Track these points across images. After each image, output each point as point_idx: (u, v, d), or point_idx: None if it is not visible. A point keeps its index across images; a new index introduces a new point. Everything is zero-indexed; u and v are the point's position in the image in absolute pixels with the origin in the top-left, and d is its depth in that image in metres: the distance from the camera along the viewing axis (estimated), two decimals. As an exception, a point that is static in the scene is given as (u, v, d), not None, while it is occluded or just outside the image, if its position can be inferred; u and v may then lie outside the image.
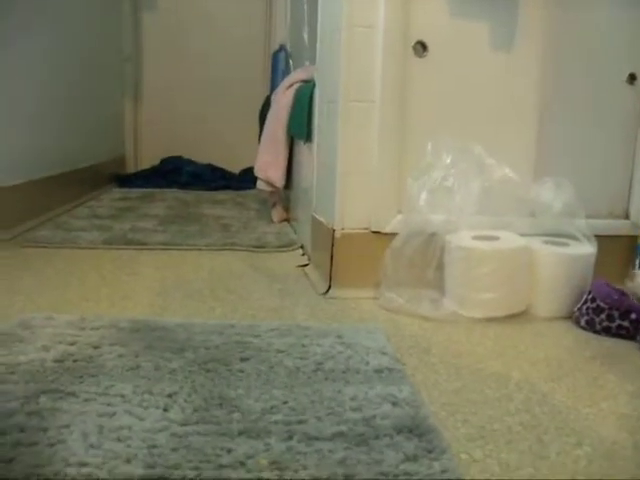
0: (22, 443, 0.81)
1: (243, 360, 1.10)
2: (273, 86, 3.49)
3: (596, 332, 1.41)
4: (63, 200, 2.56)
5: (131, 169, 3.66)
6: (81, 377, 1.01)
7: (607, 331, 1.41)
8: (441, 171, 1.42)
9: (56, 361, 1.07)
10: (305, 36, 3.28)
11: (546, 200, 1.55)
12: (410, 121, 1.55)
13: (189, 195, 3.07)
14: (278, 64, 3.49)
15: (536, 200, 1.55)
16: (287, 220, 2.39)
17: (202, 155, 3.61)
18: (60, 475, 0.75)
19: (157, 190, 3.18)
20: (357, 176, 1.54)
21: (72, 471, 0.76)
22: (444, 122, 1.57)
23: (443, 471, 0.79)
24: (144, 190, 3.17)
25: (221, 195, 3.10)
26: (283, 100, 2.22)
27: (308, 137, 1.90)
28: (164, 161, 3.58)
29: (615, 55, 1.72)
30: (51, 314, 1.29)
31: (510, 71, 1.60)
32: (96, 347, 1.13)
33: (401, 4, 1.51)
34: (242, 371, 1.06)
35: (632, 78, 1.75)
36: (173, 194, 3.08)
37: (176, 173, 3.42)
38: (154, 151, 3.64)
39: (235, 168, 3.61)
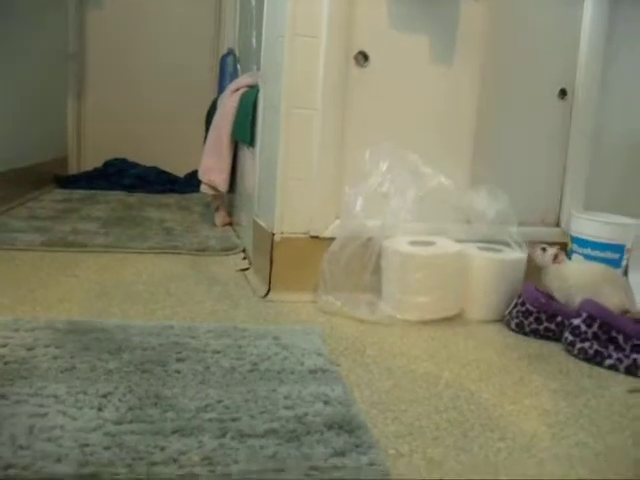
0: (-50, 443, 0.81)
1: (180, 361, 1.12)
2: (221, 90, 3.49)
3: (525, 334, 1.48)
4: (1, 201, 2.50)
5: (73, 170, 3.59)
6: (12, 379, 1.00)
7: (535, 333, 1.47)
8: (377, 178, 1.46)
9: (-13, 363, 1.06)
10: (253, 40, 3.30)
11: (480, 208, 1.61)
12: (350, 129, 1.59)
13: (133, 198, 3.04)
14: (226, 68, 3.49)
15: (470, 208, 1.61)
16: (230, 224, 2.40)
17: (147, 158, 3.57)
18: (-12, 475, 0.75)
19: (100, 192, 3.14)
20: (297, 182, 1.57)
21: None
22: (384, 131, 1.61)
23: (370, 464, 0.82)
24: (87, 192, 3.12)
25: (166, 198, 3.09)
26: (228, 104, 2.23)
27: (251, 142, 1.92)
28: (108, 163, 3.53)
29: (548, 71, 1.81)
30: (-16, 316, 1.28)
31: (448, 83, 1.66)
32: (30, 349, 1.12)
33: (344, 15, 1.55)
34: (178, 371, 1.07)
35: (563, 93, 1.84)
36: (117, 196, 3.05)
37: (120, 175, 3.38)
38: (98, 152, 3.58)
39: (181, 171, 3.59)
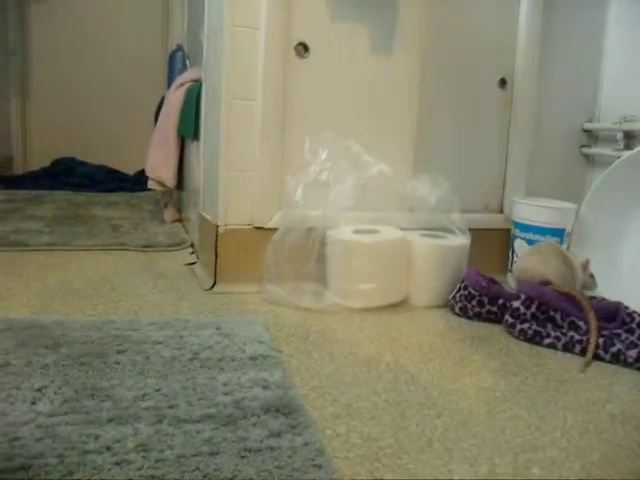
0: None
1: (119, 353, 1.11)
2: (170, 86, 3.46)
3: (469, 318, 1.51)
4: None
5: (19, 171, 3.51)
6: (-55, 376, 0.99)
7: (478, 316, 1.50)
8: (317, 166, 1.47)
9: None
10: (202, 35, 3.29)
11: (422, 195, 1.63)
12: (291, 120, 1.59)
13: (81, 197, 2.99)
14: (175, 64, 3.46)
15: (412, 195, 1.63)
16: (179, 220, 2.38)
17: (95, 156, 3.52)
18: None
19: (46, 192, 3.07)
20: (240, 173, 1.57)
21: None
22: (325, 121, 1.62)
23: (305, 444, 0.83)
24: (32, 192, 3.05)
25: (114, 197, 3.05)
26: (173, 99, 2.22)
27: (196, 135, 1.91)
28: (55, 162, 3.47)
29: (488, 61, 1.84)
30: None
31: (389, 73, 1.68)
32: (-37, 346, 1.10)
33: (283, 6, 1.55)
34: (118, 363, 1.07)
35: (503, 83, 1.88)
36: (64, 196, 2.99)
37: (68, 174, 3.32)
38: (45, 152, 3.50)
39: (130, 169, 3.54)
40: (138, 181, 3.36)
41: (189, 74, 2.33)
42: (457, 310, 1.53)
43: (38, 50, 3.57)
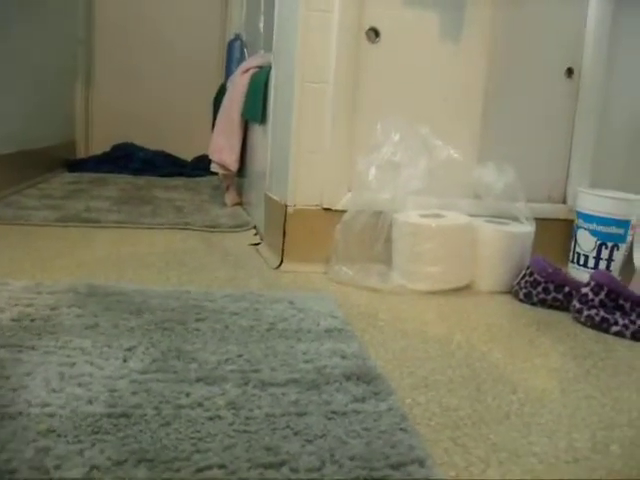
0: (-16, 387, 0.84)
1: (199, 320, 1.15)
2: (228, 74, 3.51)
3: (533, 304, 1.51)
4: (12, 181, 2.53)
5: (82, 154, 3.62)
6: (39, 334, 1.04)
7: (543, 303, 1.50)
8: (390, 147, 1.49)
9: (13, 320, 1.09)
10: (260, 25, 3.33)
11: (488, 182, 1.64)
12: (362, 103, 1.61)
13: (141, 180, 3.07)
14: (233, 53, 3.52)
15: (479, 182, 1.64)
16: (240, 204, 2.43)
17: (154, 142, 3.61)
18: (24, 414, 0.78)
19: (108, 175, 3.17)
20: (310, 155, 1.60)
21: (35, 410, 0.79)
22: (394, 105, 1.64)
23: (389, 409, 0.86)
24: (95, 175, 3.15)
25: (174, 181, 3.12)
26: (239, 85, 2.26)
27: (263, 119, 1.94)
28: (115, 147, 3.57)
29: (555, 49, 1.82)
30: (6, 279, 1.31)
31: (457, 60, 1.69)
32: (53, 309, 1.16)
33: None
34: (198, 329, 1.11)
35: (570, 72, 1.86)
36: (125, 179, 3.08)
37: (128, 159, 3.41)
38: (106, 137, 3.61)
39: (188, 155, 3.62)
40: (196, 167, 3.44)
41: (253, 60, 2.37)
42: (521, 296, 1.53)
43: (103, 39, 3.67)
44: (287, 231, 1.61)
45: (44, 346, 0.98)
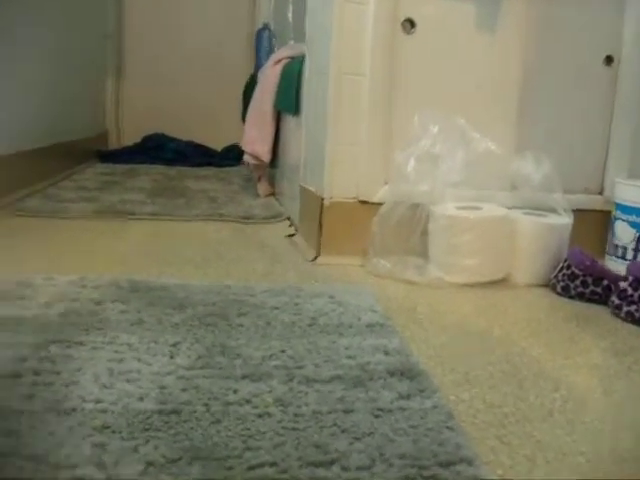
0: (38, 383, 0.86)
1: (241, 315, 1.16)
2: (258, 64, 3.52)
3: (571, 297, 1.49)
4: (48, 173, 2.57)
5: (113, 145, 3.66)
6: (87, 330, 1.06)
7: (581, 296, 1.49)
8: (428, 140, 1.48)
9: (60, 315, 1.11)
10: (289, 15, 3.32)
11: (526, 173, 1.62)
12: (398, 94, 1.61)
13: (172, 171, 3.10)
14: (262, 43, 3.52)
15: (516, 173, 1.62)
16: (272, 194, 2.44)
17: (184, 132, 3.63)
18: (78, 409, 0.80)
19: (140, 166, 3.20)
20: (346, 147, 1.60)
21: (89, 406, 0.81)
22: (430, 96, 1.63)
23: (434, 407, 0.86)
24: (127, 166, 3.18)
25: (204, 171, 3.14)
26: (270, 76, 2.26)
27: (296, 110, 1.94)
28: (146, 138, 3.60)
29: (594, 37, 1.79)
30: (51, 274, 1.33)
31: (494, 50, 1.67)
32: (98, 303, 1.18)
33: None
34: (241, 325, 1.12)
35: (609, 60, 1.83)
36: (156, 169, 3.11)
37: (159, 150, 3.44)
38: (136, 128, 3.65)
39: (217, 145, 3.64)
40: (225, 157, 3.46)
41: (284, 51, 2.37)
42: (559, 289, 1.52)
43: (132, 32, 3.70)
44: (323, 223, 1.61)
45: (92, 342, 1.01)
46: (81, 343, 1.00)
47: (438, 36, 1.64)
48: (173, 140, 3.58)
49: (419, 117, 1.54)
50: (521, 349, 1.15)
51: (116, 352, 0.97)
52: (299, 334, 1.10)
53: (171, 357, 0.97)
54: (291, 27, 3.27)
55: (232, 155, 3.41)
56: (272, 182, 2.48)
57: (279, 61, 2.29)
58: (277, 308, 1.21)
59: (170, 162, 3.33)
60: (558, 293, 1.52)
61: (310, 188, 1.72)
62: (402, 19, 1.60)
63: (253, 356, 0.99)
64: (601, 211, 1.84)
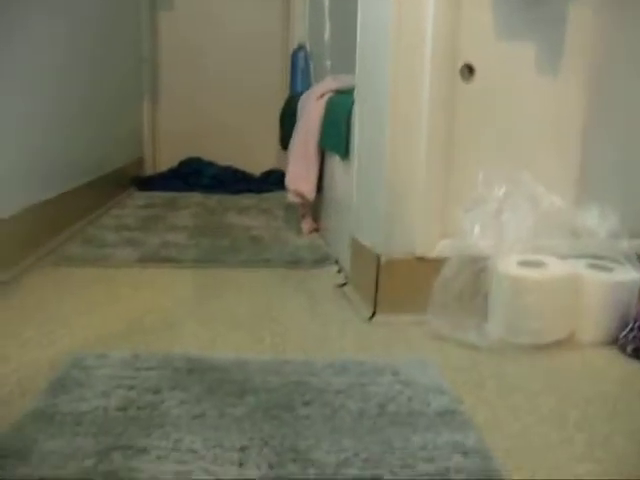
0: (106, 508, 0.82)
1: (306, 404, 1.11)
2: (293, 86, 3.47)
3: (643, 359, 1.42)
4: (89, 208, 2.55)
5: (150, 171, 3.63)
6: (148, 429, 1.01)
7: (654, 359, 1.41)
8: (494, 203, 1.41)
9: (119, 409, 1.07)
10: (326, 35, 3.26)
11: (591, 227, 1.55)
12: (456, 145, 1.54)
13: (212, 200, 3.05)
14: (297, 64, 3.47)
15: (581, 226, 1.55)
16: (316, 230, 2.38)
17: (220, 157, 3.59)
18: None
19: (178, 194, 3.16)
20: (403, 200, 1.53)
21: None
22: (489, 147, 1.56)
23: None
24: (167, 194, 3.15)
25: (245, 200, 3.08)
26: (315, 111, 2.20)
27: (346, 153, 1.88)
28: (183, 163, 3.56)
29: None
30: (104, 352, 1.29)
31: (555, 95, 1.59)
32: (156, 392, 1.13)
33: (449, 26, 1.49)
34: (307, 417, 1.06)
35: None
36: (195, 199, 3.07)
37: (197, 175, 3.40)
38: (172, 153, 3.61)
39: (255, 170, 3.59)
40: (264, 181, 3.41)
41: (328, 84, 2.31)
42: (630, 351, 1.44)
43: (167, 55, 3.67)
44: (379, 281, 1.55)
45: (155, 447, 0.96)
46: (144, 450, 0.95)
47: (498, 82, 1.56)
48: (211, 165, 3.54)
49: (483, 175, 1.47)
50: (604, 437, 1.08)
51: (182, 462, 0.92)
52: (369, 428, 1.04)
53: (240, 465, 0.92)
54: (328, 47, 3.21)
55: (271, 180, 3.37)
56: (315, 217, 2.42)
57: (322, 95, 2.23)
58: (342, 392, 1.15)
59: (208, 188, 3.29)
60: (629, 355, 1.44)
61: (365, 243, 1.66)
62: (460, 64, 1.53)
63: (326, 462, 0.94)
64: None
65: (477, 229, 1.38)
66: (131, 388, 1.14)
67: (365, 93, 1.73)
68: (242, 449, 0.97)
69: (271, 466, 0.93)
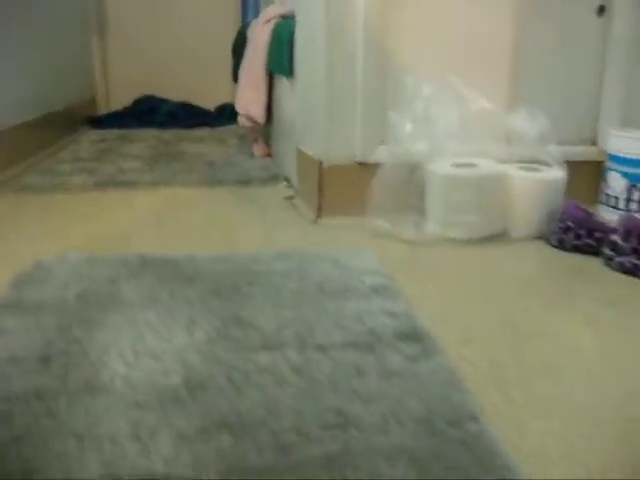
0: (69, 364, 0.92)
1: (250, 284, 1.21)
2: (244, 18, 3.49)
3: (566, 250, 1.54)
4: (42, 145, 2.57)
5: (103, 110, 3.62)
6: (106, 309, 1.10)
7: (576, 249, 1.53)
8: (423, 102, 1.51)
9: (78, 297, 1.16)
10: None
11: (521, 129, 1.65)
12: (390, 54, 1.62)
13: (166, 134, 3.09)
14: (248, -5, 3.48)
15: (511, 129, 1.65)
16: (268, 155, 2.46)
17: (174, 93, 3.59)
18: (110, 386, 0.86)
19: (133, 131, 3.19)
20: (342, 110, 1.62)
21: (119, 384, 0.87)
22: (422, 57, 1.65)
23: (440, 368, 0.92)
24: (120, 131, 3.17)
25: (199, 132, 3.14)
26: (261, 37, 2.25)
27: (290, 73, 1.95)
28: (138, 101, 3.57)
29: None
30: (63, 255, 1.37)
31: (484, 5, 1.67)
32: (111, 282, 1.22)
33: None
34: (251, 295, 1.17)
35: (601, 10, 1.82)
36: (150, 133, 3.10)
37: (151, 113, 3.42)
38: (125, 91, 3.60)
39: (210, 105, 3.62)
40: (219, 116, 3.44)
41: (273, 9, 2.36)
42: (554, 242, 1.56)
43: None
44: (323, 186, 1.65)
45: (112, 322, 1.05)
46: (102, 323, 1.05)
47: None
48: (165, 102, 3.55)
49: (413, 78, 1.56)
50: (519, 305, 1.20)
51: (137, 331, 1.02)
52: (308, 301, 1.15)
53: (189, 332, 1.02)
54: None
55: (226, 114, 3.40)
56: (267, 142, 2.49)
57: (269, 20, 2.27)
58: (284, 274, 1.26)
59: (163, 125, 3.31)
60: (553, 246, 1.56)
61: (308, 152, 1.75)
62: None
63: (267, 326, 1.05)
64: (594, 162, 1.87)
65: (408, 128, 1.48)
66: (89, 280, 1.23)
67: (304, 14, 1.80)
68: (191, 320, 1.07)
69: (218, 331, 1.03)
